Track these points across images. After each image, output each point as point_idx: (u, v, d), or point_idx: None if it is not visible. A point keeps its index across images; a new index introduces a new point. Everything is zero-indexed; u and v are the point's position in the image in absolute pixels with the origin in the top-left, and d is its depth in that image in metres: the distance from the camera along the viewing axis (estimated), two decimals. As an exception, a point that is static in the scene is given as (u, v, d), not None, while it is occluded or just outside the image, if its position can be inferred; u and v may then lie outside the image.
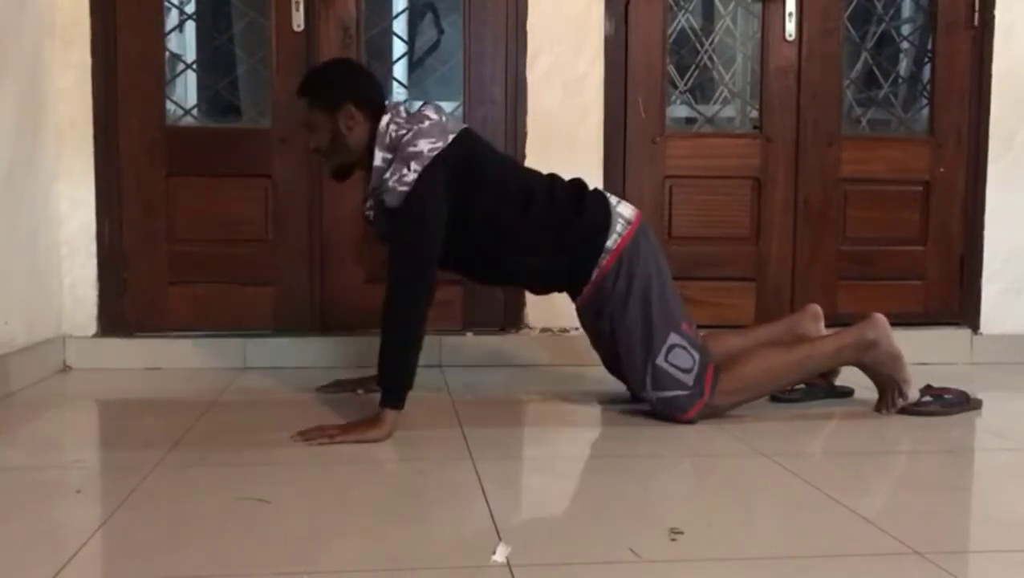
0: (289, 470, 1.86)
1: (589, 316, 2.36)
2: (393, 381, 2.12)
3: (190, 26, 3.22)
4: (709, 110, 3.32)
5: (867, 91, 3.39)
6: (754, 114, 3.31)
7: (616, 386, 2.46)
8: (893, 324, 2.35)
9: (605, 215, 2.29)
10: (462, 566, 1.37)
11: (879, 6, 3.31)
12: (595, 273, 2.27)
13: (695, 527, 1.52)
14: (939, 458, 2.05)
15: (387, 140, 2.20)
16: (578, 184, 2.38)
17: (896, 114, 3.40)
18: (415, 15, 3.45)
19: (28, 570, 1.34)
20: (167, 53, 3.07)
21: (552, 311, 2.99)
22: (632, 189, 3.13)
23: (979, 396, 2.44)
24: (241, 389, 2.68)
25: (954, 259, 3.30)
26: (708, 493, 1.80)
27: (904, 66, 3.51)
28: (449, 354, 3.03)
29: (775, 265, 3.25)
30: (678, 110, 3.39)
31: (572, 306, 2.39)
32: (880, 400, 2.38)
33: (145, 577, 1.33)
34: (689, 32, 3.27)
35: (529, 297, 3.07)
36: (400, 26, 3.29)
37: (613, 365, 2.40)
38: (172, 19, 3.11)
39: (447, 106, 3.11)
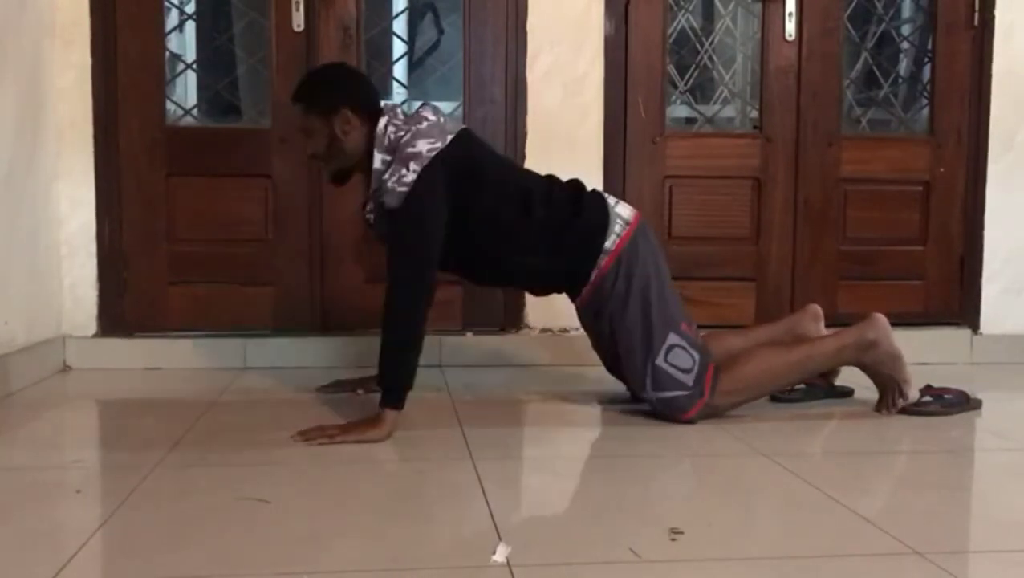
0: (289, 470, 1.86)
1: (589, 317, 2.36)
2: (393, 381, 2.12)
3: (190, 26, 3.22)
4: (709, 110, 3.32)
5: (867, 91, 3.39)
6: (754, 114, 3.31)
7: (616, 386, 2.46)
8: (893, 324, 2.34)
9: (603, 216, 2.29)
10: (462, 566, 1.37)
11: (879, 6, 3.31)
12: (594, 274, 2.27)
13: (695, 527, 1.52)
14: (939, 458, 2.05)
15: (386, 142, 2.20)
16: (576, 185, 2.38)
17: (896, 114, 3.40)
18: (415, 15, 3.45)
19: (28, 570, 1.34)
20: (167, 53, 3.07)
21: (552, 311, 2.99)
22: (632, 189, 3.13)
23: (979, 396, 2.44)
24: (241, 389, 2.68)
25: (954, 259, 3.30)
26: (708, 493, 1.80)
27: (904, 66, 3.51)
28: (449, 354, 3.03)
29: (775, 265, 3.25)
30: (678, 110, 3.39)
31: (572, 306, 2.39)
32: (880, 400, 2.38)
33: (145, 577, 1.33)
34: (689, 32, 3.27)
35: (529, 297, 3.07)
36: (400, 26, 3.28)
37: (613, 365, 2.41)
38: (172, 19, 3.11)
39: (447, 106, 3.12)
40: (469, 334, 3.11)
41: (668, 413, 2.25)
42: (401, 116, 2.25)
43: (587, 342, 2.47)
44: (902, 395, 2.34)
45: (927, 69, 3.33)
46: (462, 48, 3.12)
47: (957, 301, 3.31)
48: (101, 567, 1.43)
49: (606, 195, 2.36)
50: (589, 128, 3.11)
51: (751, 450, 2.03)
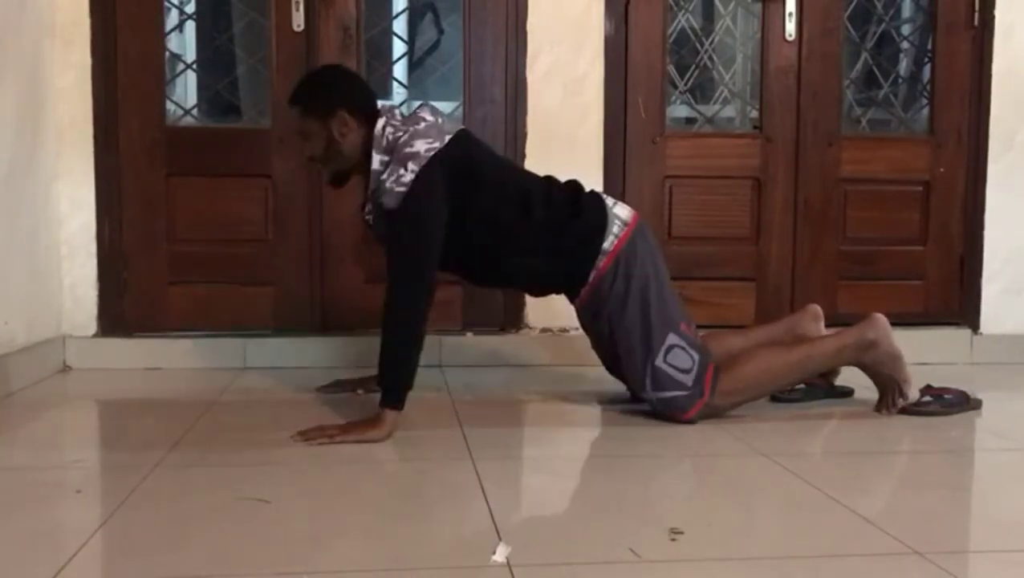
0: (289, 470, 1.86)
1: (587, 317, 2.36)
2: (393, 381, 2.12)
3: (190, 26, 3.22)
4: (709, 110, 3.32)
5: (867, 91, 3.39)
6: (754, 114, 3.31)
7: (616, 386, 2.46)
8: (893, 324, 2.34)
9: (601, 217, 2.28)
10: (462, 566, 1.37)
11: (879, 6, 3.31)
12: (592, 275, 2.27)
13: (695, 527, 1.52)
14: (939, 458, 2.05)
15: (384, 143, 2.20)
16: (574, 186, 2.37)
17: (896, 114, 3.40)
18: (415, 15, 3.45)
19: (28, 570, 1.34)
20: (167, 53, 3.06)
21: (552, 311, 2.98)
22: (632, 189, 3.13)
23: (979, 396, 2.44)
24: (241, 389, 2.68)
25: (954, 259, 3.30)
26: (708, 493, 1.80)
27: (904, 66, 3.51)
28: (449, 354, 3.03)
29: (775, 265, 3.25)
30: (678, 110, 3.39)
31: (572, 306, 2.39)
32: (880, 400, 2.38)
33: (145, 577, 1.33)
34: (689, 32, 3.27)
35: (529, 297, 3.07)
36: (400, 26, 3.28)
37: (613, 366, 2.40)
38: (172, 19, 3.11)
39: (447, 106, 3.12)
40: (469, 334, 3.11)
41: (668, 413, 2.25)
42: (399, 117, 2.25)
43: (587, 342, 2.47)
44: (902, 395, 2.34)
45: (927, 69, 3.33)
46: (462, 48, 3.12)
47: (957, 301, 3.31)
48: (101, 567, 1.43)
49: (604, 196, 2.36)
50: (589, 128, 3.10)
51: (751, 450, 2.03)
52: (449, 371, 2.93)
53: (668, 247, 3.13)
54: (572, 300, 2.37)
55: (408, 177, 2.15)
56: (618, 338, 2.28)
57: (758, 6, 3.22)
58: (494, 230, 2.27)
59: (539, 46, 3.07)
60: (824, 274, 3.26)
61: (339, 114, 2.22)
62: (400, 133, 2.20)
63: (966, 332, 3.27)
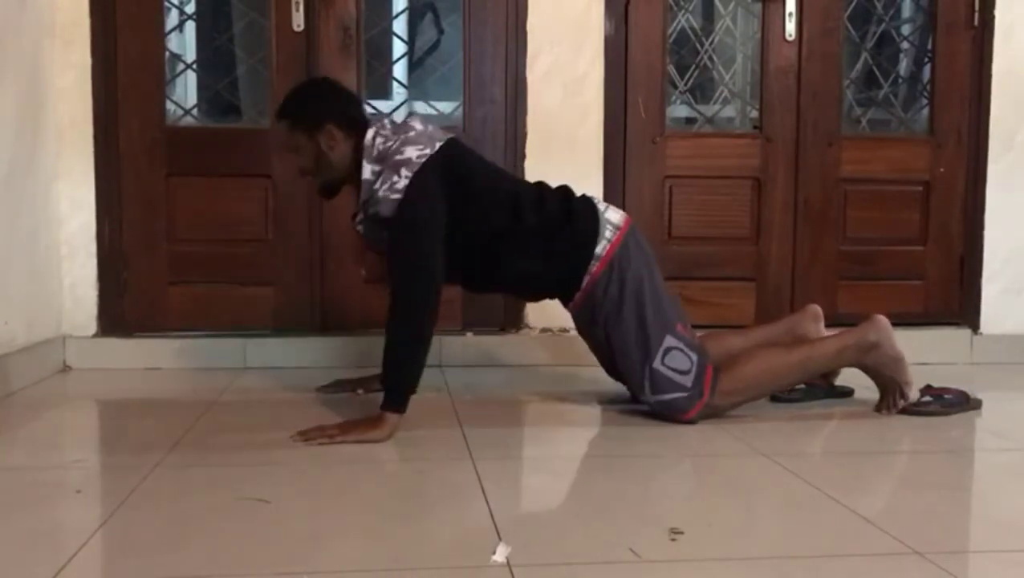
0: (289, 470, 1.86)
1: (583, 322, 2.36)
2: (396, 383, 2.11)
3: (190, 26, 3.22)
4: (709, 110, 3.32)
5: (867, 91, 3.39)
6: (754, 114, 3.31)
7: (616, 386, 2.46)
8: (893, 324, 2.34)
9: (594, 222, 2.28)
10: (462, 566, 1.37)
11: (879, 6, 3.31)
12: (586, 280, 2.27)
13: (695, 527, 1.52)
14: (939, 458, 2.05)
15: (374, 152, 2.20)
16: (566, 192, 2.36)
17: (896, 114, 3.40)
18: (415, 15, 3.45)
19: (28, 570, 1.34)
20: (167, 53, 3.07)
21: (552, 311, 2.96)
22: (632, 189, 3.13)
23: (979, 396, 2.44)
24: (241, 389, 2.68)
25: (954, 259, 3.30)
26: (708, 493, 1.80)
27: (904, 66, 3.51)
28: (449, 354, 3.03)
29: (775, 265, 3.25)
30: (678, 110, 3.39)
31: (569, 309, 2.39)
32: (881, 401, 2.38)
33: (145, 577, 1.33)
34: (689, 32, 3.27)
35: (528, 298, 3.07)
36: (400, 26, 3.29)
37: (612, 369, 2.40)
38: (172, 19, 3.11)
39: (447, 106, 3.12)
40: (469, 334, 3.11)
41: (668, 415, 2.25)
42: (388, 126, 2.25)
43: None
44: (903, 396, 2.34)
45: (927, 69, 3.33)
46: (462, 48, 3.12)
47: (957, 301, 3.31)
48: (101, 567, 1.43)
49: (596, 200, 2.35)
50: (589, 128, 3.10)
51: (751, 450, 2.03)
52: (449, 371, 2.93)
53: (668, 247, 3.13)
54: (566, 305, 2.36)
55: (402, 183, 2.15)
56: (615, 342, 2.28)
57: (758, 6, 3.22)
58: (486, 237, 2.26)
59: (539, 46, 3.07)
60: (824, 274, 3.26)
61: (327, 127, 2.23)
62: (391, 142, 2.20)
63: (966, 332, 3.27)
